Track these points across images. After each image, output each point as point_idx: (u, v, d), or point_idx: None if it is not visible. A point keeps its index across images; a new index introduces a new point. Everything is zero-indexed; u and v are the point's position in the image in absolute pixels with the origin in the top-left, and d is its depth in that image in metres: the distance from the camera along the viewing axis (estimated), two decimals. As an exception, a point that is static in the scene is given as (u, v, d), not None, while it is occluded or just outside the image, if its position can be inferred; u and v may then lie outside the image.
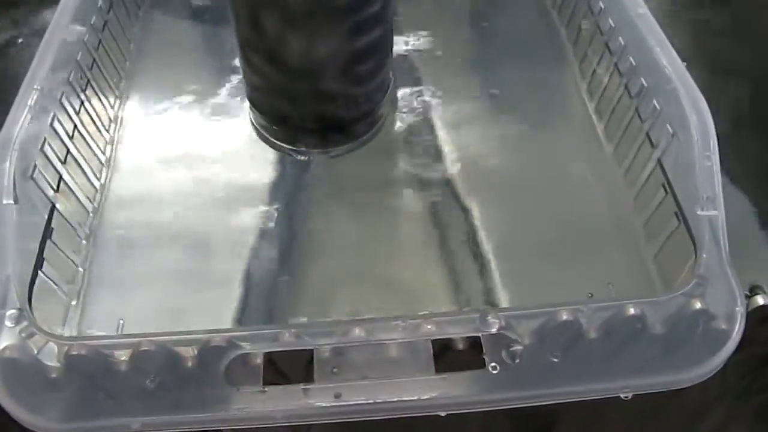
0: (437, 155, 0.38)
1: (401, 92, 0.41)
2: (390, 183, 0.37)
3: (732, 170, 0.36)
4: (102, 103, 0.38)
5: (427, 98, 0.41)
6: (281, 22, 0.31)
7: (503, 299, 0.32)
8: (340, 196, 0.36)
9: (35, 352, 0.24)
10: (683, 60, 0.32)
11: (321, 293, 0.32)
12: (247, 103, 0.39)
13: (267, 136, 0.38)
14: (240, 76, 0.41)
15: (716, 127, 0.30)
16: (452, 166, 0.37)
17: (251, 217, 0.35)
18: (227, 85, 0.42)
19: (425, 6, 0.39)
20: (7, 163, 0.28)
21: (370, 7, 0.32)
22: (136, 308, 0.32)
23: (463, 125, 0.39)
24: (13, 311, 0.25)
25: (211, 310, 0.32)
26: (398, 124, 0.40)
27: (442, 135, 0.39)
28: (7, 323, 0.25)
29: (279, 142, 0.38)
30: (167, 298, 0.32)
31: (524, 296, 0.32)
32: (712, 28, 0.45)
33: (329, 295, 0.32)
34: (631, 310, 0.25)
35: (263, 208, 0.35)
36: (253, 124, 0.39)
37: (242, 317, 0.31)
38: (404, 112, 0.40)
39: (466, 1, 0.48)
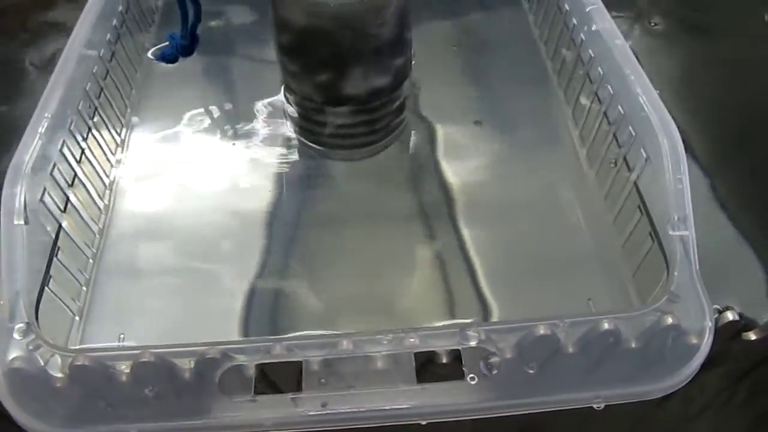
0: (431, 180, 0.40)
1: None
2: (387, 208, 0.39)
3: (709, 194, 0.38)
4: (108, 129, 0.40)
5: (418, 125, 0.43)
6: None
7: (492, 315, 0.33)
8: (333, 222, 0.38)
9: (41, 363, 0.26)
10: (656, 88, 0.33)
11: (322, 313, 0.33)
12: (255, 126, 0.42)
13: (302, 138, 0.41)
14: (246, 103, 0.43)
15: (696, 154, 0.31)
16: (445, 190, 0.39)
17: (256, 239, 0.36)
18: (232, 111, 0.44)
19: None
20: (19, 187, 0.30)
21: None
22: (137, 326, 0.33)
23: (454, 150, 0.41)
24: (21, 325, 0.27)
25: (212, 330, 0.33)
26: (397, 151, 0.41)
27: (437, 161, 0.41)
28: (16, 336, 0.26)
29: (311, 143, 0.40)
30: (169, 317, 0.34)
31: (511, 312, 0.34)
32: (689, 58, 0.47)
33: (330, 316, 0.33)
34: (606, 325, 0.26)
35: (267, 229, 0.37)
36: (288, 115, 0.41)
37: (244, 336, 0.32)
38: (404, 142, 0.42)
39: (457, 32, 0.50)
